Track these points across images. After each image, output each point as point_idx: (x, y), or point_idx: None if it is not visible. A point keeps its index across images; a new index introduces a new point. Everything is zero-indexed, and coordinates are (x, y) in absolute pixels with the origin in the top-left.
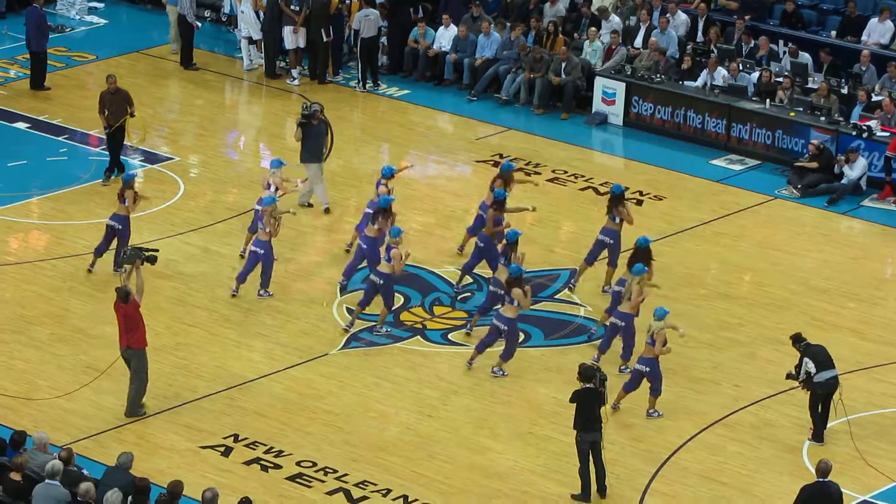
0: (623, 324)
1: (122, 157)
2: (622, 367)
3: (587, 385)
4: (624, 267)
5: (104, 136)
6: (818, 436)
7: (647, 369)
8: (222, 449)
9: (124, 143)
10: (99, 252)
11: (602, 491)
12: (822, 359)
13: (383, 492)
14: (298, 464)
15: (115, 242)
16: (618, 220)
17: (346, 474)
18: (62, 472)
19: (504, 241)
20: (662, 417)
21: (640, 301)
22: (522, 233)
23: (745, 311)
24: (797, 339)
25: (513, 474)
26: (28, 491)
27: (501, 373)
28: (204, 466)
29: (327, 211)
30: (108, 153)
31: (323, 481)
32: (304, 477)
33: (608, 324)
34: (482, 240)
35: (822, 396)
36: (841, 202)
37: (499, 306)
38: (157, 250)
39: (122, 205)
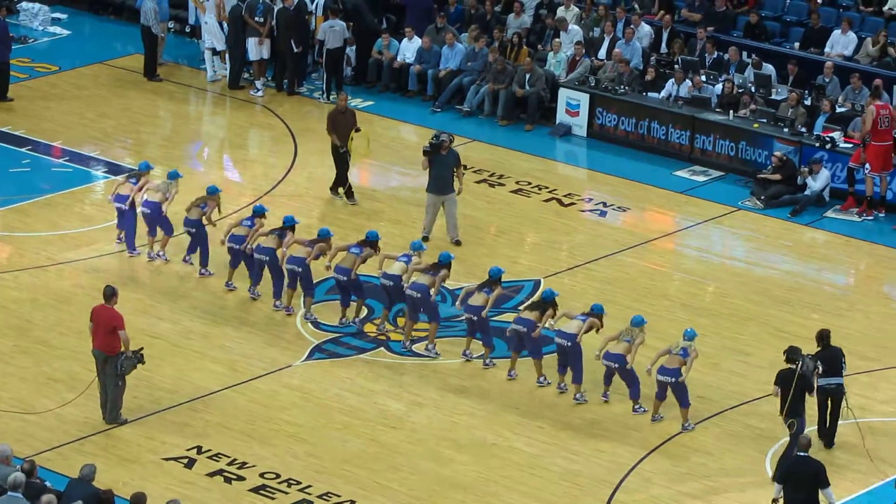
0: (616, 365)
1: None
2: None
3: (790, 366)
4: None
5: (339, 153)
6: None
7: (672, 380)
8: (185, 461)
9: (348, 160)
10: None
11: None
12: (830, 364)
13: (347, 503)
14: (262, 475)
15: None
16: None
17: (309, 486)
18: (24, 484)
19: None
20: (629, 428)
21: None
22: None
23: (709, 321)
24: (821, 337)
25: (477, 485)
26: None
27: (434, 351)
28: (167, 478)
29: (458, 243)
30: (336, 169)
31: (286, 493)
32: (268, 489)
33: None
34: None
35: (821, 400)
36: (804, 213)
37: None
38: (142, 348)
39: (157, 193)
